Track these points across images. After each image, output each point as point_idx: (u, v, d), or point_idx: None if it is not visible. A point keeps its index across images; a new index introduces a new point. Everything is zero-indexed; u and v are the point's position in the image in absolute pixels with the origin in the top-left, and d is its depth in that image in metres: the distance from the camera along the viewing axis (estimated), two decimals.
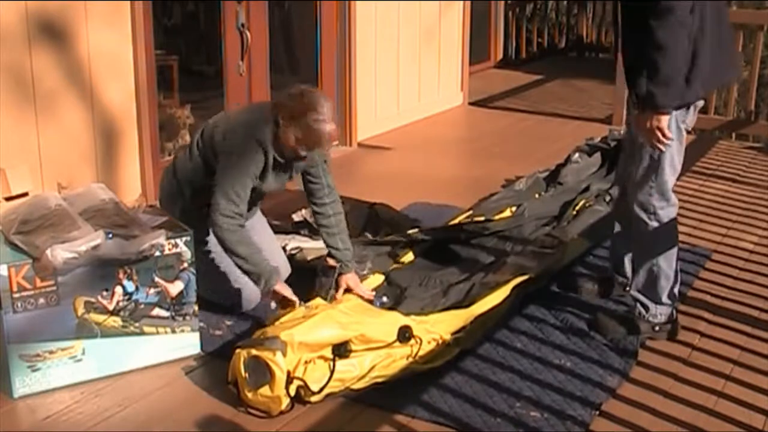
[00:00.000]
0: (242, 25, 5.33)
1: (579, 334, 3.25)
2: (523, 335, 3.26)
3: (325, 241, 3.47)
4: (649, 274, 3.19)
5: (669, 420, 2.72)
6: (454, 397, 2.82)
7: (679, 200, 4.89)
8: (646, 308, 3.22)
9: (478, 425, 2.66)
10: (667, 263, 3.18)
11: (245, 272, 3.16)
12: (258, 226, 3.52)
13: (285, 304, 3.12)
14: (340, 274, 3.36)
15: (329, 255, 3.43)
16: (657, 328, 3.23)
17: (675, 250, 3.21)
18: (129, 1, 4.31)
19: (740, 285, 3.79)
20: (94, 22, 4.16)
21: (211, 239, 3.28)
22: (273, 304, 3.20)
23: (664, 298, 3.21)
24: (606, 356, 3.09)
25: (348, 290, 3.35)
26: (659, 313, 3.22)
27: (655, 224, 3.13)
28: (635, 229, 3.20)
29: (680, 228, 4.42)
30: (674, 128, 2.99)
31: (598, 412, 2.75)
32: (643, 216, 3.14)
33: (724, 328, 3.37)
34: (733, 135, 7.60)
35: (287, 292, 3.14)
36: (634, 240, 3.27)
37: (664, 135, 2.92)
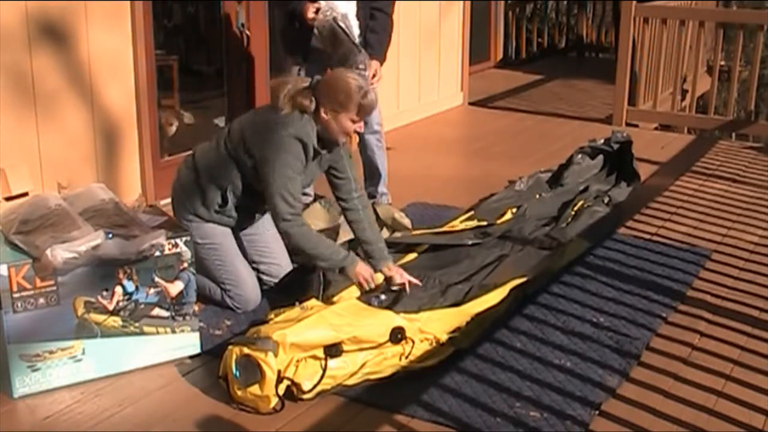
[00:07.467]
0: (242, 25, 5.33)
1: (579, 335, 3.26)
2: (523, 335, 3.25)
3: (357, 237, 3.50)
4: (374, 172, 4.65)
5: (669, 420, 2.73)
6: (454, 396, 2.82)
7: (679, 200, 4.98)
8: (373, 194, 4.58)
9: (478, 425, 2.66)
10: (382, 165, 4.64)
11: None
12: (267, 223, 3.52)
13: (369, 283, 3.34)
14: (376, 267, 3.41)
15: (363, 250, 3.46)
16: (389, 202, 4.61)
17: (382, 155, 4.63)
18: (129, 1, 4.31)
19: (740, 285, 3.79)
20: (94, 22, 4.16)
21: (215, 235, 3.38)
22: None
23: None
24: (606, 356, 3.09)
25: (389, 279, 3.40)
26: (381, 192, 4.67)
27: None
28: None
29: (680, 228, 4.50)
30: None
31: (597, 412, 2.75)
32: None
33: (724, 328, 3.37)
34: (733, 135, 7.61)
35: (366, 273, 3.33)
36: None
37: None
